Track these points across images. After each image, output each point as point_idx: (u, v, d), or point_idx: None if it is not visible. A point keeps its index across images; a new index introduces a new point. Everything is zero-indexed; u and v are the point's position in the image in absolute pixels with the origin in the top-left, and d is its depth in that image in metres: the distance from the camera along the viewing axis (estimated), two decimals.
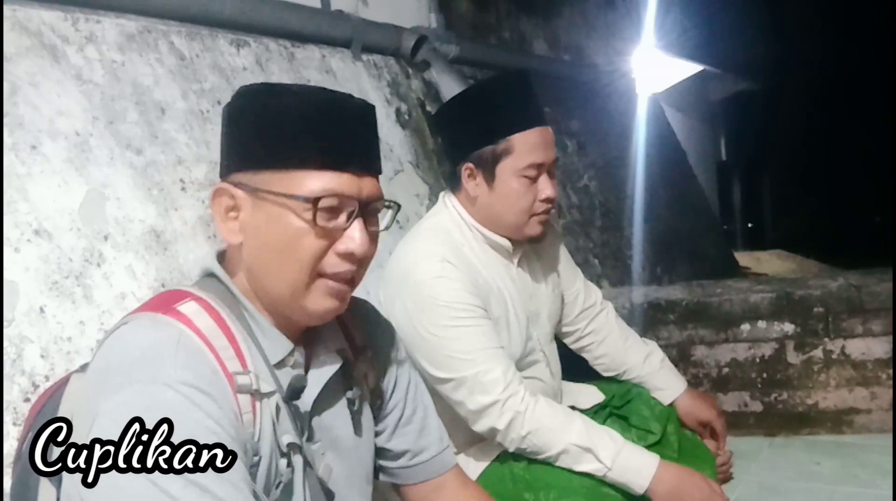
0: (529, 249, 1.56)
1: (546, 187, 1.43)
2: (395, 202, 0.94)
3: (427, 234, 1.48)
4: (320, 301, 0.89)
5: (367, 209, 0.90)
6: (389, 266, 1.48)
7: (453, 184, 1.52)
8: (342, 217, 0.87)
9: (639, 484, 1.34)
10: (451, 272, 1.38)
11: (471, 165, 1.45)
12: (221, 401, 0.79)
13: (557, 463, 1.37)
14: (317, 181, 0.85)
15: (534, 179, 1.43)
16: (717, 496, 1.36)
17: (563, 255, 1.73)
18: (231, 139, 0.90)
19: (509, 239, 1.49)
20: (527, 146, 1.41)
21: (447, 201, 1.53)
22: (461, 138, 1.48)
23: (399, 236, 2.43)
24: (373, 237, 0.91)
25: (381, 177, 0.95)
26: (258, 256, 0.88)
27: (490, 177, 1.43)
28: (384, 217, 0.95)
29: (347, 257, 0.88)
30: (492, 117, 1.43)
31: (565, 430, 1.36)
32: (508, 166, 1.42)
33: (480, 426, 1.38)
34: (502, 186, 1.43)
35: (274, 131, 0.86)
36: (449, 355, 1.36)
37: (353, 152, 0.89)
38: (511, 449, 1.39)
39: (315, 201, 0.85)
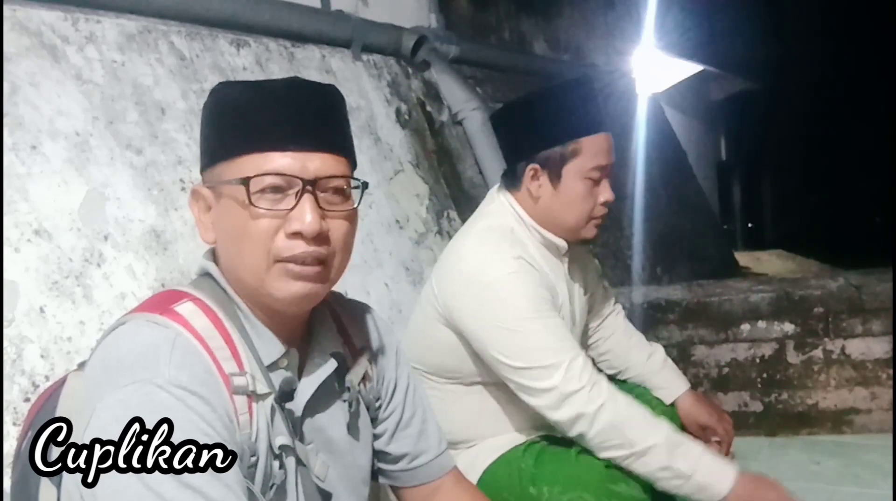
0: (575, 255, 1.58)
1: (606, 191, 1.46)
2: (360, 180, 0.91)
3: (493, 233, 1.48)
4: (284, 286, 0.86)
5: (322, 187, 0.87)
6: (449, 266, 1.47)
7: (511, 183, 1.52)
8: (289, 197, 0.85)
9: (720, 488, 1.29)
10: (525, 268, 1.40)
11: (536, 166, 1.46)
12: (215, 403, 0.79)
13: (640, 462, 1.31)
14: (254, 163, 0.84)
15: (596, 182, 1.45)
16: None
17: (595, 262, 1.75)
18: (200, 140, 0.93)
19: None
20: (594, 149, 1.44)
21: (505, 200, 1.53)
22: (526, 139, 1.49)
23: (399, 235, 2.43)
24: (345, 217, 0.89)
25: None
26: (224, 248, 0.90)
27: (556, 178, 1.45)
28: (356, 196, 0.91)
29: (296, 236, 0.85)
30: (561, 120, 1.45)
31: (659, 423, 1.35)
32: (575, 168, 1.44)
33: (563, 414, 1.34)
34: (567, 187, 1.45)
35: (220, 123, 0.88)
36: (531, 346, 1.35)
37: (296, 131, 0.86)
38: (592, 438, 1.34)
39: (246, 181, 0.84)
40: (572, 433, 1.36)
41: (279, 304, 0.88)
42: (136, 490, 0.72)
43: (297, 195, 0.85)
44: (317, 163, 0.86)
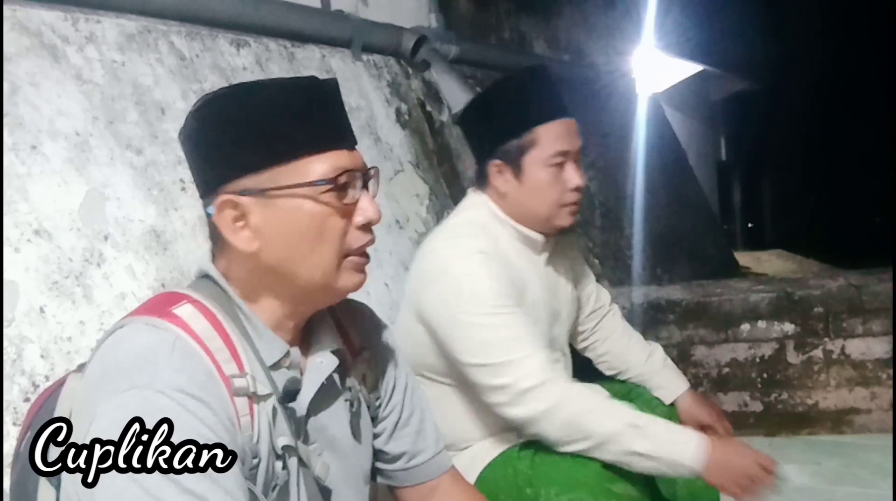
0: (556, 249, 1.57)
1: (574, 176, 1.44)
2: (376, 167, 0.97)
3: (463, 228, 1.49)
4: (351, 278, 0.91)
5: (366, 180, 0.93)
6: (419, 261, 1.48)
7: (481, 182, 1.52)
8: (353, 192, 0.90)
9: (694, 459, 1.28)
10: (490, 264, 1.39)
11: (498, 161, 1.46)
12: (216, 407, 0.79)
13: (603, 448, 1.31)
14: (324, 163, 0.87)
15: (560, 167, 1.44)
16: (760, 463, 1.30)
17: (581, 257, 1.75)
18: (217, 149, 0.88)
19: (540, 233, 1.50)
20: (551, 136, 1.43)
21: (477, 198, 1.53)
22: (486, 136, 1.50)
23: (399, 235, 2.43)
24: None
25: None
26: (283, 253, 0.88)
27: (518, 170, 1.45)
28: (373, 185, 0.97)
29: (366, 228, 0.91)
30: (514, 112, 1.45)
31: (619, 408, 1.34)
32: (534, 158, 1.43)
33: (520, 413, 1.34)
34: (530, 178, 1.44)
35: (266, 128, 0.86)
36: (489, 340, 1.35)
37: (341, 129, 0.91)
38: (550, 435, 1.33)
39: (334, 180, 0.87)
40: (530, 430, 1.35)
41: (335, 297, 0.93)
42: (134, 493, 0.72)
43: (361, 189, 0.90)
44: (359, 157, 0.92)
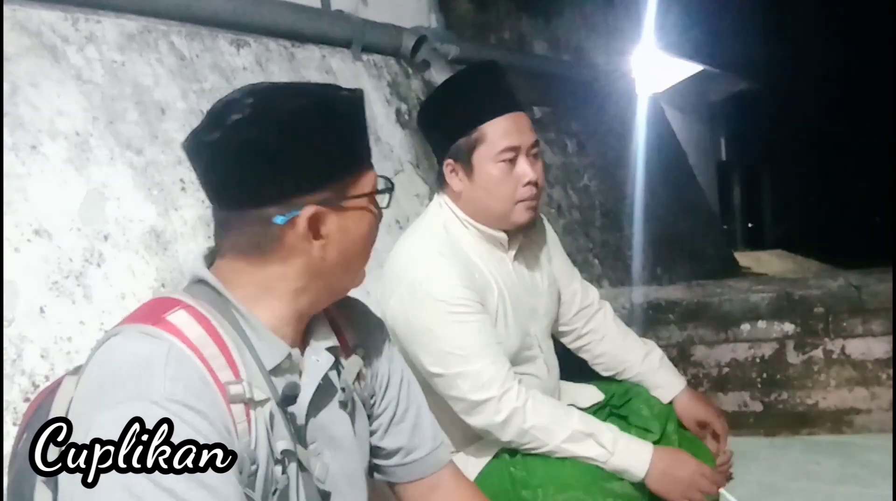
0: (526, 245, 1.56)
1: (527, 171, 1.44)
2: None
3: (422, 231, 1.50)
4: (362, 276, 1.01)
5: None
6: (387, 264, 1.49)
7: (440, 183, 1.53)
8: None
9: (638, 468, 1.37)
10: (448, 268, 1.40)
11: (451, 160, 1.47)
12: (212, 416, 0.78)
13: (559, 454, 1.38)
14: (372, 174, 0.95)
15: (511, 162, 1.43)
16: (704, 475, 1.40)
17: (560, 254, 1.74)
18: (295, 158, 0.85)
19: (503, 231, 1.50)
20: (498, 132, 1.43)
21: (439, 200, 1.54)
22: (439, 137, 1.51)
23: (399, 235, 2.43)
24: None
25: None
26: (341, 259, 0.92)
27: (468, 168, 1.45)
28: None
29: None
30: (462, 110, 1.45)
31: (568, 419, 1.39)
32: (483, 154, 1.43)
33: (476, 422, 1.39)
34: (481, 174, 1.44)
35: (347, 139, 0.91)
36: (444, 350, 1.37)
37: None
38: (506, 442, 1.40)
39: (383, 191, 0.97)
40: (488, 437, 1.41)
41: (346, 293, 1.01)
42: (147, 488, 0.72)
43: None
44: None
